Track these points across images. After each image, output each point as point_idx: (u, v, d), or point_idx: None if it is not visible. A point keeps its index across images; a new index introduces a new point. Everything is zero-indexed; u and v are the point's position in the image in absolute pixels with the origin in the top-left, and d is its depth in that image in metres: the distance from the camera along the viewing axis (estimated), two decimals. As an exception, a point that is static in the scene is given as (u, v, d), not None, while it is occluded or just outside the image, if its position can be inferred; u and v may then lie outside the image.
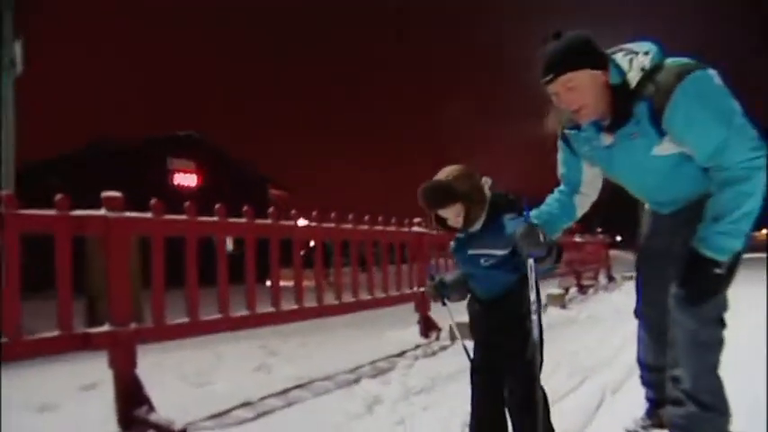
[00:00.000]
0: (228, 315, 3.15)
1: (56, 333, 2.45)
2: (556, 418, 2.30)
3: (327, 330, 5.25)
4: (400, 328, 5.31)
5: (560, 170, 2.21)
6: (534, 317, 1.76)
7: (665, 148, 1.82)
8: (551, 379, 3.30)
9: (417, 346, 4.65)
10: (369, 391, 3.12)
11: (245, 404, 2.97)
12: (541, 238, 1.69)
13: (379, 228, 4.77)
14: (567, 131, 2.06)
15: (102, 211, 2.58)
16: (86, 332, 2.53)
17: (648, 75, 1.76)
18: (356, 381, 3.40)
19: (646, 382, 2.28)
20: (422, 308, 5.14)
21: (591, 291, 9.42)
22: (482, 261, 1.87)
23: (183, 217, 2.98)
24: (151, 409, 2.59)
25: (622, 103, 1.80)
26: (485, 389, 1.91)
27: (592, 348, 4.08)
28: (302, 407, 2.94)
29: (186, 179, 16.84)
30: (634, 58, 1.81)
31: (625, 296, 7.64)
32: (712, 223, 1.72)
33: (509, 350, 1.85)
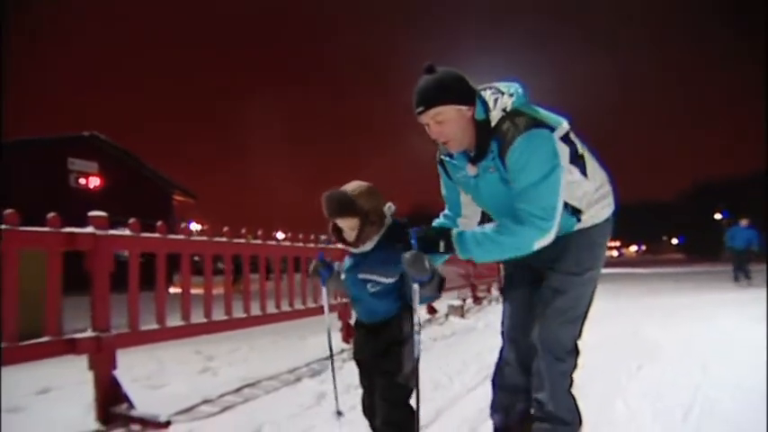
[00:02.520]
0: (190, 323, 3.50)
1: (47, 339, 2.72)
2: (470, 405, 2.98)
3: (253, 338, 5.54)
4: (322, 335, 5.80)
5: (443, 192, 2.31)
6: (416, 337, 1.86)
7: None
8: (462, 375, 4.02)
9: (342, 350, 5.17)
10: (311, 388, 3.63)
11: (207, 401, 3.33)
12: (426, 264, 1.78)
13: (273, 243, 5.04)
14: (443, 157, 2.15)
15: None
16: (73, 338, 2.81)
17: (506, 117, 1.88)
18: (298, 380, 3.88)
19: (496, 406, 2.28)
20: (343, 315, 5.65)
21: (485, 302, 10.17)
22: (369, 286, 1.95)
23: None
24: (131, 406, 2.91)
25: (484, 139, 1.92)
26: (374, 412, 2.02)
27: (493, 350, 4.85)
28: (259, 401, 3.36)
29: (89, 182, 15.94)
30: (499, 98, 1.93)
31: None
32: (479, 230, 1.93)
33: (382, 373, 1.96)
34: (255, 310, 4.30)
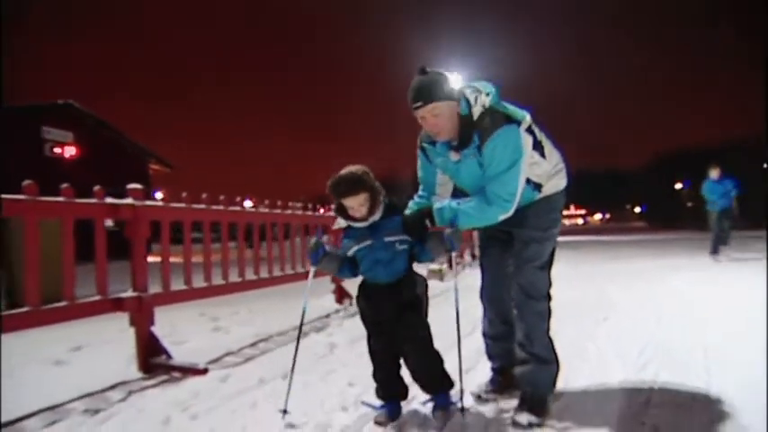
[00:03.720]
0: (212, 284, 3.90)
1: (99, 298, 3.09)
2: (465, 347, 3.44)
3: (249, 301, 5.91)
4: (316, 297, 6.22)
5: (419, 174, 2.63)
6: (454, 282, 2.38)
7: None
8: (453, 326, 4.52)
9: (337, 311, 5.63)
10: (321, 340, 4.09)
11: (229, 353, 3.75)
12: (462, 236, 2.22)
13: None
14: (425, 145, 2.49)
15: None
16: (119, 297, 3.18)
17: (485, 113, 2.23)
18: (305, 334, 4.33)
19: (490, 353, 2.71)
20: (336, 279, 6.10)
21: (459, 267, 10.86)
22: (397, 246, 2.25)
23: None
24: (169, 357, 3.32)
25: (466, 131, 2.26)
26: (384, 359, 2.31)
27: (476, 307, 5.39)
28: (276, 353, 3.78)
29: (64, 151, 15.73)
30: (478, 96, 2.26)
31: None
32: (454, 202, 2.30)
33: (410, 326, 2.23)
34: (264, 274, 4.70)
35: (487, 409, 2.42)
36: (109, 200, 3.16)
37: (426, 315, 2.33)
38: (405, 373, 2.36)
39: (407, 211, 2.47)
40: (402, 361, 2.31)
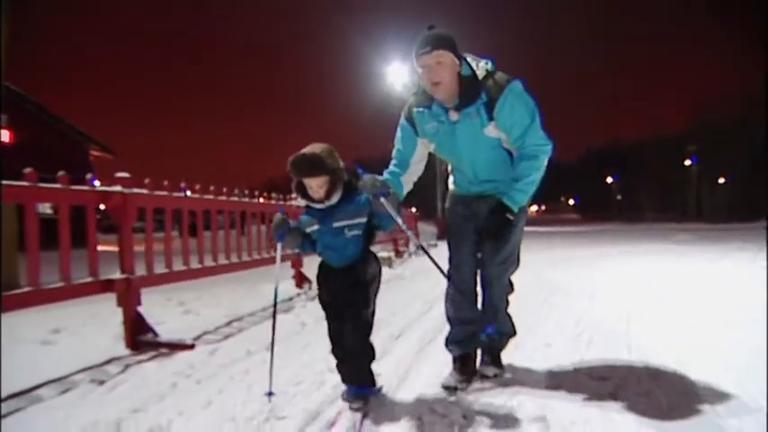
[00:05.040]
0: (191, 267, 4.15)
1: (91, 279, 3.30)
2: (426, 323, 3.86)
3: (209, 287, 5.97)
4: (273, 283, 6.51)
5: (397, 146, 2.63)
6: (410, 234, 2.54)
7: (491, 131, 2.37)
8: (410, 307, 4.94)
9: (299, 294, 5.94)
10: (291, 320, 4.41)
11: (206, 332, 4.01)
12: (378, 182, 2.20)
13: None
14: (415, 110, 2.50)
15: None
16: (110, 278, 3.39)
17: (488, 75, 2.35)
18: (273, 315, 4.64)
19: (452, 340, 2.69)
20: (296, 264, 6.38)
21: (405, 255, 11.25)
22: (346, 231, 2.20)
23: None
24: (156, 335, 3.56)
25: (471, 89, 2.32)
26: (341, 336, 2.29)
27: (428, 291, 5.87)
28: (252, 330, 4.07)
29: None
30: (479, 62, 2.39)
31: (437, 258, 9.78)
32: (514, 183, 2.34)
33: (353, 305, 2.22)
34: (235, 258, 4.96)
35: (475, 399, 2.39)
36: (100, 187, 3.36)
37: (375, 296, 2.32)
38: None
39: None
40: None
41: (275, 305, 2.56)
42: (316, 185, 2.13)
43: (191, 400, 2.42)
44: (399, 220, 2.24)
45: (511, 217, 2.34)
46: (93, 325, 4.25)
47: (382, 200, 2.19)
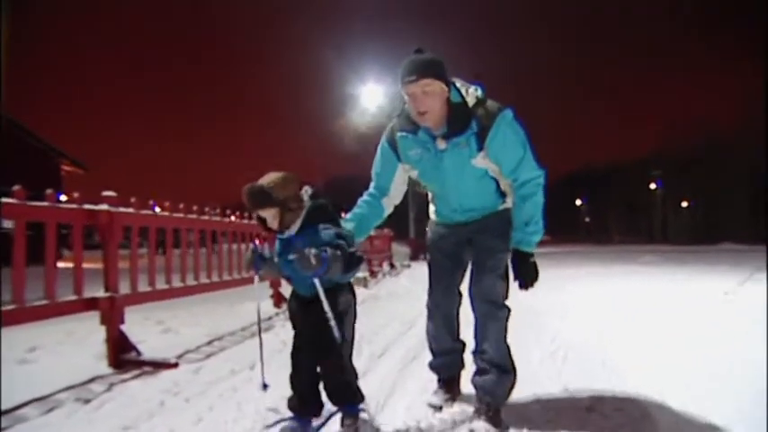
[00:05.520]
0: (173, 286, 4.16)
1: (75, 298, 3.30)
2: (408, 341, 3.95)
3: (186, 306, 5.89)
4: (252, 302, 6.48)
5: (376, 169, 2.54)
6: (333, 322, 2.05)
7: (478, 162, 2.28)
8: (389, 327, 5.02)
9: (277, 314, 5.96)
10: (271, 339, 4.44)
11: (188, 351, 4.02)
12: (312, 260, 1.89)
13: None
14: (399, 134, 2.39)
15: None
16: (94, 297, 3.40)
17: (479, 103, 2.26)
18: (254, 335, 4.66)
19: (435, 367, 2.64)
20: (275, 284, 6.41)
21: (380, 275, 11.15)
22: None
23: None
24: (139, 353, 3.56)
25: (461, 117, 2.23)
26: (301, 368, 2.23)
27: (405, 311, 5.96)
28: (234, 349, 4.09)
29: None
30: (469, 88, 2.30)
31: (408, 279, 9.96)
32: (524, 227, 2.25)
33: (318, 345, 2.13)
34: (215, 278, 4.99)
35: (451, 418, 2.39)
36: (87, 206, 3.38)
37: (352, 327, 2.24)
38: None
39: (357, 210, 2.48)
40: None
41: (259, 320, 2.66)
42: (269, 216, 2.10)
43: (181, 418, 2.45)
44: (349, 277, 2.12)
45: (533, 260, 2.29)
46: (70, 344, 4.22)
47: (315, 280, 2.02)
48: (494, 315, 2.33)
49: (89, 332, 4.49)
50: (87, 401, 2.76)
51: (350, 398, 2.20)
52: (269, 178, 2.08)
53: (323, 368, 2.18)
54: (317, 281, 2.01)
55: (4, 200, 2.89)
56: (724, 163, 43.18)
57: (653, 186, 53.50)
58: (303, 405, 2.25)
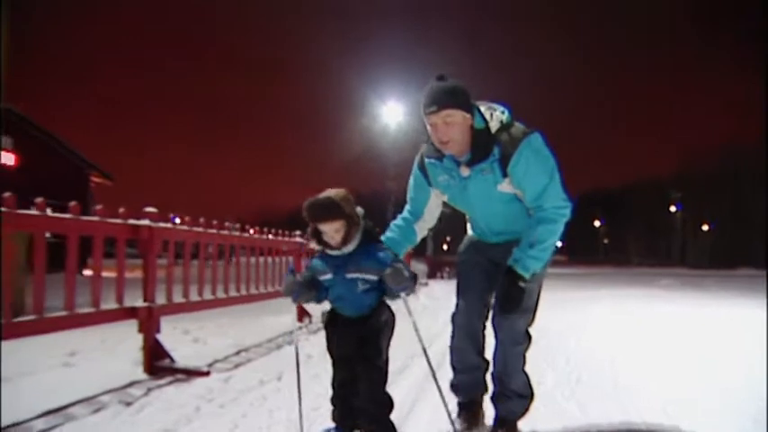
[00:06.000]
0: (229, 295, 4.40)
1: (116, 306, 3.53)
2: (420, 364, 4.09)
3: (211, 318, 6.12)
4: (278, 315, 6.69)
5: (410, 194, 2.55)
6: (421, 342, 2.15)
7: (504, 187, 2.23)
8: (406, 344, 5.12)
9: (300, 328, 6.15)
10: (292, 352, 4.63)
11: (217, 361, 4.21)
12: (406, 273, 1.98)
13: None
14: (427, 161, 2.38)
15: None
16: (134, 306, 3.63)
17: (503, 128, 2.21)
18: (279, 347, 4.85)
19: (459, 386, 2.54)
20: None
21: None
22: (360, 284, 2.08)
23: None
24: (173, 361, 3.77)
25: (483, 144, 2.18)
26: (343, 389, 2.17)
27: (423, 329, 6.10)
28: (261, 360, 4.28)
29: (3, 158, 15.11)
30: (494, 113, 2.25)
31: (426, 298, 10.07)
32: (528, 248, 2.15)
33: (366, 357, 2.09)
34: (243, 291, 5.21)
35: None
36: (131, 221, 3.63)
37: (388, 344, 2.20)
38: None
39: (389, 233, 2.48)
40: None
41: (297, 362, 2.43)
42: (331, 230, 2.05)
43: (217, 423, 2.64)
44: (403, 295, 2.08)
45: (522, 285, 2.17)
46: (105, 350, 4.45)
47: (403, 295, 2.06)
48: (513, 349, 2.32)
49: (119, 340, 4.73)
50: (129, 404, 2.97)
51: (381, 426, 2.13)
52: (333, 192, 2.06)
53: (361, 380, 2.11)
54: (403, 295, 2.05)
55: (63, 215, 3.14)
56: (745, 186, 42.69)
57: (673, 209, 52.94)
58: (343, 422, 2.20)
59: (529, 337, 2.36)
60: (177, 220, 4.93)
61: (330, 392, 2.23)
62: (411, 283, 2.03)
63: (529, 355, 2.40)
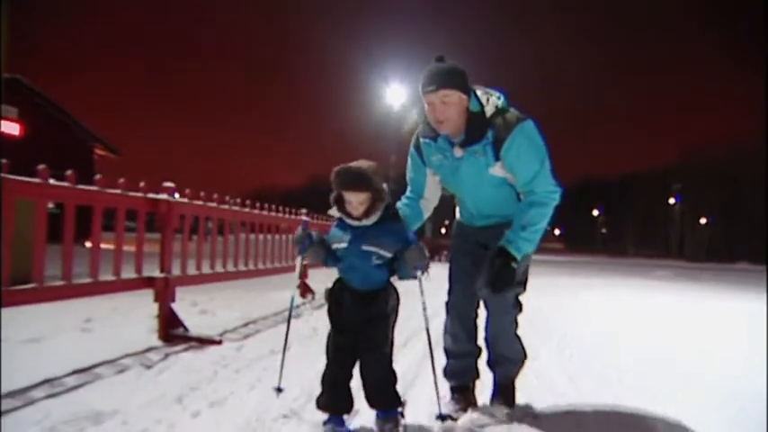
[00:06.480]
0: (238, 269, 4.60)
1: (135, 276, 3.71)
2: (424, 338, 4.29)
3: (221, 290, 6.40)
4: (282, 290, 6.87)
5: (409, 174, 2.60)
6: (424, 312, 2.15)
7: (496, 171, 2.29)
8: (411, 321, 5.34)
9: (304, 303, 6.34)
10: (302, 326, 4.83)
11: (226, 331, 4.41)
12: (426, 252, 2.05)
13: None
14: (422, 140, 2.44)
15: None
16: (151, 276, 3.81)
17: (498, 113, 2.25)
18: (285, 320, 5.04)
19: (451, 371, 2.58)
20: (303, 274, 6.77)
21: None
22: (373, 258, 2.08)
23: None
24: (186, 329, 3.96)
25: (478, 126, 2.24)
26: (338, 362, 2.16)
27: (410, 314, 6.31)
28: (269, 332, 4.47)
29: (8, 127, 15.10)
30: (490, 97, 2.30)
31: (427, 279, 10.30)
32: (520, 230, 2.20)
33: (373, 339, 2.10)
34: (251, 266, 5.40)
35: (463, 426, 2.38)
36: (150, 195, 3.79)
37: (393, 329, 2.21)
38: (353, 384, 2.23)
39: (400, 212, 2.43)
40: (357, 370, 2.18)
41: (290, 311, 2.63)
42: (356, 201, 2.05)
43: (236, 384, 2.84)
44: (419, 274, 2.12)
45: (514, 266, 2.21)
46: (118, 317, 4.64)
47: (418, 273, 2.11)
48: (504, 317, 2.40)
49: (130, 308, 4.93)
50: (149, 367, 3.16)
51: (390, 399, 2.16)
52: (365, 163, 2.07)
53: (368, 365, 2.12)
54: (419, 273, 2.08)
55: (89, 187, 3.28)
56: (745, 180, 42.86)
57: (672, 201, 53.15)
58: (336, 402, 2.18)
59: (519, 305, 2.45)
60: (177, 195, 5.04)
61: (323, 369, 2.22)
62: (428, 262, 2.08)
63: (523, 333, 2.50)
